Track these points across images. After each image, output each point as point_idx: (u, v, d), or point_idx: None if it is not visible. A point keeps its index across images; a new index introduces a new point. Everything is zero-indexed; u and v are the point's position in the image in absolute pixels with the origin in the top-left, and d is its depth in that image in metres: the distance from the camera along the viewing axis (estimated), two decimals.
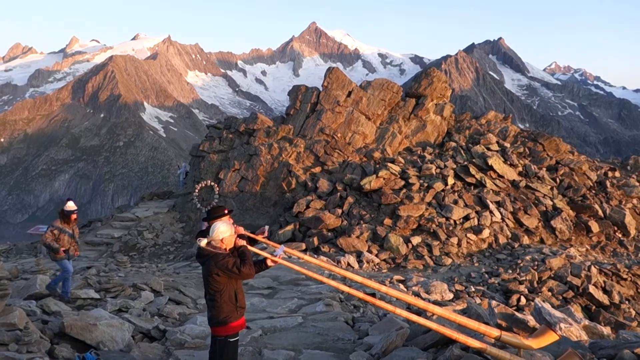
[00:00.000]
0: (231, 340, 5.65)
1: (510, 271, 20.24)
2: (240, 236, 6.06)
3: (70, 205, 11.27)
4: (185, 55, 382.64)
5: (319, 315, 10.95)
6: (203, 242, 5.65)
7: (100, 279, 12.79)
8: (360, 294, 6.35)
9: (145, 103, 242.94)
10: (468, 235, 23.46)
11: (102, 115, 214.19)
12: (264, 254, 5.90)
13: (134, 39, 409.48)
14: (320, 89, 32.63)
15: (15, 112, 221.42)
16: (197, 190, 28.50)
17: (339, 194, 26.41)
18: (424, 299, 16.35)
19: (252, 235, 6.68)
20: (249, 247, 5.82)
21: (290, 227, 24.91)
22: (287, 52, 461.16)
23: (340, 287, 6.26)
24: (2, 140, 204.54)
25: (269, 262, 5.85)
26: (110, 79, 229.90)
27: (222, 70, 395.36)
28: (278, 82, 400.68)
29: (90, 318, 8.01)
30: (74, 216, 11.41)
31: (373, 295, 13.26)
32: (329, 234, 24.02)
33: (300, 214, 25.69)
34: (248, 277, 5.60)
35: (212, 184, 28.72)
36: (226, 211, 6.36)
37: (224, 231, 5.63)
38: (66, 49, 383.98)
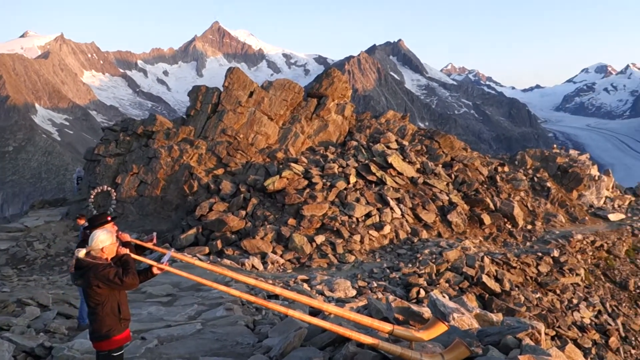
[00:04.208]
0: (115, 354, 5.35)
1: (410, 265, 20.92)
2: (125, 244, 5.77)
3: None
4: (80, 54, 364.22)
5: (219, 321, 10.71)
6: (81, 253, 5.31)
7: None
8: (245, 295, 6.25)
9: (36, 105, 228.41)
10: (370, 232, 23.99)
11: None
12: (149, 261, 5.64)
13: (22, 36, 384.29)
14: (222, 89, 32.13)
15: None
16: (92, 196, 27.18)
17: (242, 195, 26.13)
18: (327, 297, 16.52)
19: (139, 243, 6.38)
20: (133, 256, 5.54)
21: (192, 231, 24.32)
22: (190, 51, 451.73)
23: (231, 291, 6.12)
24: None
25: (155, 270, 5.59)
26: None
27: (121, 70, 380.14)
28: (181, 83, 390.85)
29: None
30: None
31: (277, 297, 13.21)
32: (233, 236, 23.69)
33: (203, 217, 25.15)
34: (131, 287, 5.33)
35: (109, 189, 27.52)
36: (109, 218, 6.06)
37: (104, 240, 5.32)
38: None
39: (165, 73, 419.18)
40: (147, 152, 29.81)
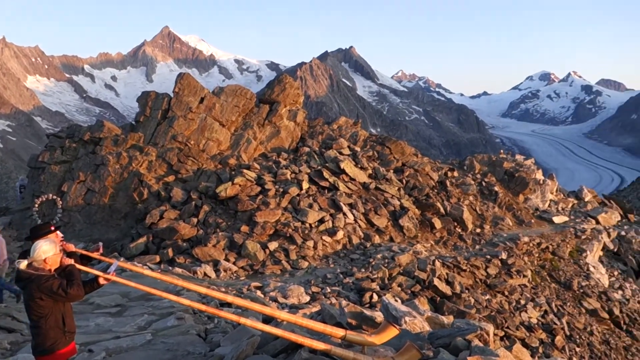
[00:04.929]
0: None
1: (363, 270, 21.06)
2: (70, 254, 5.60)
3: None
4: (24, 59, 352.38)
5: (170, 330, 10.51)
6: (23, 264, 5.12)
7: None
8: (196, 304, 6.16)
9: None
10: (323, 237, 24.04)
11: None
12: (95, 271, 5.49)
13: None
14: (172, 95, 31.65)
15: None
16: (36, 205, 26.26)
17: (194, 202, 25.76)
18: (281, 304, 16.46)
19: (84, 253, 6.20)
20: (78, 266, 5.38)
21: (142, 240, 23.80)
22: (139, 56, 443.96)
23: (181, 300, 6.02)
24: None
25: (101, 281, 5.44)
26: None
27: (67, 75, 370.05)
28: (130, 88, 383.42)
29: None
30: None
31: (230, 305, 13.06)
32: (185, 244, 23.31)
33: (153, 225, 24.66)
34: (76, 298, 5.18)
35: (54, 197, 26.63)
36: (52, 228, 5.86)
37: (46, 250, 5.14)
38: None
39: (114, 78, 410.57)
40: (94, 159, 29.04)
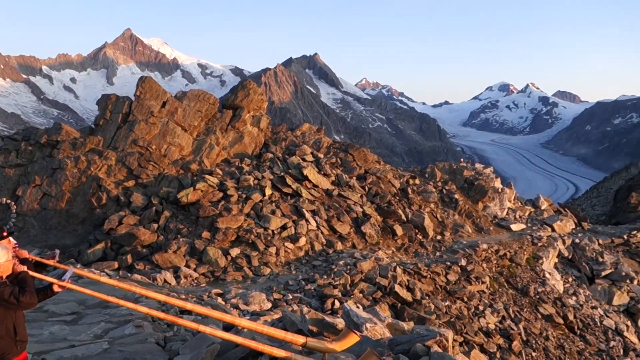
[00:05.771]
0: None
1: (325, 276, 21.06)
2: (23, 261, 5.43)
3: None
4: None
5: (128, 339, 10.28)
6: None
7: None
8: (154, 312, 6.06)
9: None
10: (286, 244, 23.98)
11: None
12: (49, 278, 5.33)
13: None
14: (133, 98, 31.15)
15: None
16: None
17: (154, 208, 25.37)
18: (242, 311, 16.31)
19: (39, 259, 6.03)
20: (32, 273, 5.22)
21: (100, 246, 23.30)
22: (100, 58, 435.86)
23: (139, 308, 5.91)
24: None
25: (56, 288, 5.29)
26: None
27: (24, 76, 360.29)
28: (90, 91, 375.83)
29: None
30: None
31: (190, 312, 12.86)
32: (144, 250, 22.92)
33: (112, 231, 24.18)
34: (29, 306, 5.02)
35: (8, 201, 25.88)
36: (5, 234, 5.68)
37: None
38: None
39: (73, 80, 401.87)
40: (51, 162, 28.31)
